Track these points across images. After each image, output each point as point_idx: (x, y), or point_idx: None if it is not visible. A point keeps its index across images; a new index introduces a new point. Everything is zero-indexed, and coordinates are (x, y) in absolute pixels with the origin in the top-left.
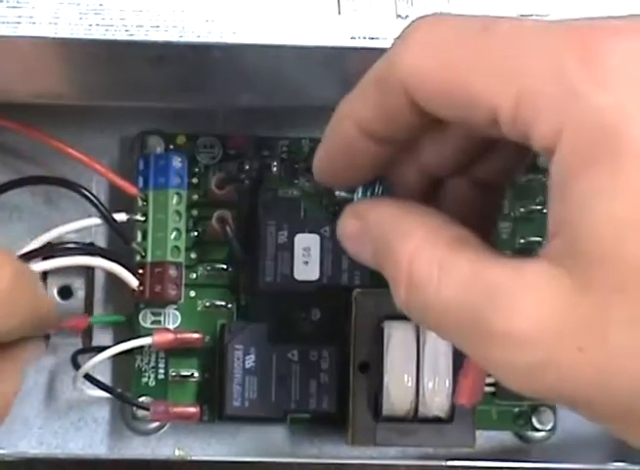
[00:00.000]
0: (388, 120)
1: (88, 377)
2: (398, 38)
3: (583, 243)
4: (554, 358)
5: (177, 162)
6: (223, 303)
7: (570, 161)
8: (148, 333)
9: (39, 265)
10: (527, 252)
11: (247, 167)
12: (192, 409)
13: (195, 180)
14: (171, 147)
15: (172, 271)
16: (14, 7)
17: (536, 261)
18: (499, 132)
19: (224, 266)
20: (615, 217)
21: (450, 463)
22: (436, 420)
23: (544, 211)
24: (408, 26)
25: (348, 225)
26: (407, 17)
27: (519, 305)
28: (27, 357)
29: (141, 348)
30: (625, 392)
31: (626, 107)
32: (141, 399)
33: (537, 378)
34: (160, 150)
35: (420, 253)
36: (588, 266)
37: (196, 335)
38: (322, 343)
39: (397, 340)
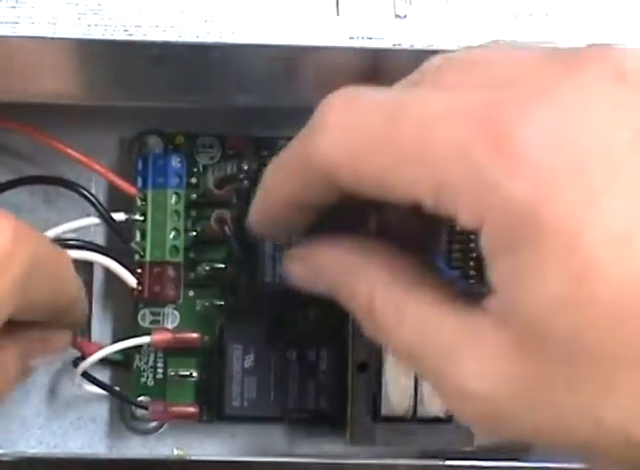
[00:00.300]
0: (314, 196)
1: (87, 376)
2: (314, 119)
3: (518, 318)
4: (505, 413)
5: (176, 162)
6: (222, 302)
7: (494, 246)
8: (147, 333)
9: None
10: None
11: (245, 167)
12: (191, 409)
13: (194, 180)
14: (170, 147)
15: (171, 271)
16: (13, 7)
17: (482, 316)
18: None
19: (223, 266)
20: (542, 299)
21: (449, 463)
22: (435, 420)
23: None
24: (322, 105)
25: (297, 270)
26: (406, 16)
27: (468, 363)
28: (32, 347)
29: (140, 347)
30: (579, 444)
31: (539, 191)
32: (140, 399)
33: (492, 426)
34: (158, 150)
35: (377, 296)
36: (527, 338)
37: (194, 334)
38: (321, 343)
39: None
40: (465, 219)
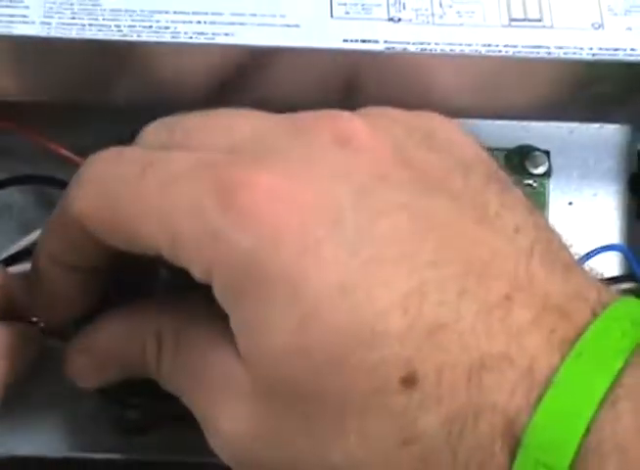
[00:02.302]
0: (76, 252)
1: None
2: (76, 175)
3: (253, 364)
4: (250, 452)
5: None
6: None
7: (223, 295)
8: None
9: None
10: None
11: None
12: (182, 409)
13: None
14: None
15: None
16: (7, 6)
17: (236, 360)
18: None
19: None
20: (269, 347)
21: None
22: None
23: None
24: (84, 164)
25: (80, 361)
26: (399, 20)
27: (221, 404)
28: None
29: None
30: None
31: (262, 241)
32: (131, 398)
33: (241, 465)
34: None
35: (161, 344)
36: (263, 383)
37: None
38: None
39: None
40: (197, 271)
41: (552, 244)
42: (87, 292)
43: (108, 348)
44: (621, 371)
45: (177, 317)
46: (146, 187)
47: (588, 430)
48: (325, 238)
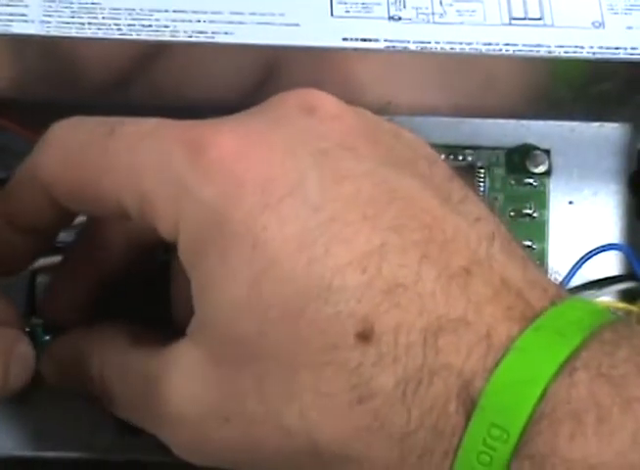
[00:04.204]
0: (33, 216)
1: None
2: (40, 141)
3: (208, 326)
4: (204, 433)
5: None
6: None
7: (187, 251)
8: None
9: None
10: None
11: None
12: None
13: None
14: None
15: None
16: (6, 5)
17: (183, 342)
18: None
19: None
20: (226, 301)
21: None
22: None
23: (535, 215)
24: (48, 130)
25: (48, 364)
26: (400, 19)
27: (170, 388)
28: None
29: None
30: (271, 456)
31: (227, 194)
32: None
33: (197, 452)
34: None
35: (104, 363)
36: (216, 345)
37: None
38: None
39: None
40: (164, 228)
41: (511, 239)
42: (34, 252)
43: (66, 365)
44: (580, 346)
45: (118, 346)
46: (114, 146)
47: (543, 396)
48: (287, 196)
